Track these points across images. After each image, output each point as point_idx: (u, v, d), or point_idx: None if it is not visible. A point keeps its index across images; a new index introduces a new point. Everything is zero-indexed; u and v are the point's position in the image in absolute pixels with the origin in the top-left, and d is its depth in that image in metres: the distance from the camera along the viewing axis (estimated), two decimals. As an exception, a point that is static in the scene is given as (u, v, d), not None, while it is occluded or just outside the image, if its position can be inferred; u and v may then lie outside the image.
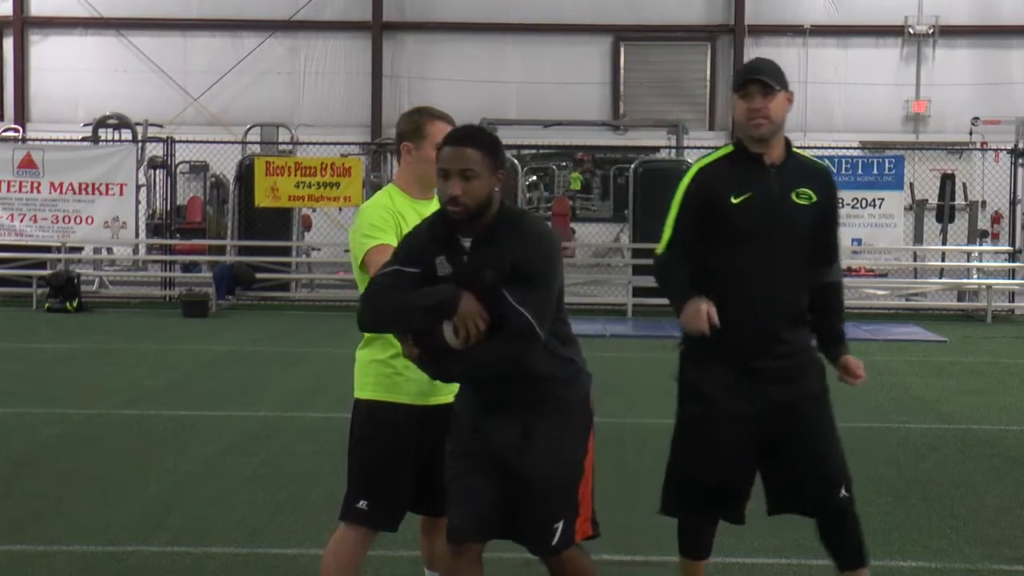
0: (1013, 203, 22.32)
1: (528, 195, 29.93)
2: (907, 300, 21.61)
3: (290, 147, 24.44)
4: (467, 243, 4.26)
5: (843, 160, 21.08)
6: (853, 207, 20.47)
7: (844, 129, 28.89)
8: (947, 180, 23.88)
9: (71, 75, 29.77)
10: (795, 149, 4.96)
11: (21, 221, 21.45)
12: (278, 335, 17.18)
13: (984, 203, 24.15)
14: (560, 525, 4.36)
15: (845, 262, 18.74)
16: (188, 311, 19.18)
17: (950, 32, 29.30)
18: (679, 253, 4.92)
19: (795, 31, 29.29)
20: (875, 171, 20.96)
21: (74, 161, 21.80)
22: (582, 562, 4.53)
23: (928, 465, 8.95)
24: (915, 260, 23.50)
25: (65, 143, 23.39)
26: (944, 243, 23.65)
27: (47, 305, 19.73)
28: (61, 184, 21.38)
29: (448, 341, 4.16)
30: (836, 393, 4.97)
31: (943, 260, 23.26)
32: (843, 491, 4.88)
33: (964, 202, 24.74)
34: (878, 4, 29.35)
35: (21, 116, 29.82)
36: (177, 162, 23.45)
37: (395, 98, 29.48)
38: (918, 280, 22.63)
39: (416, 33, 29.88)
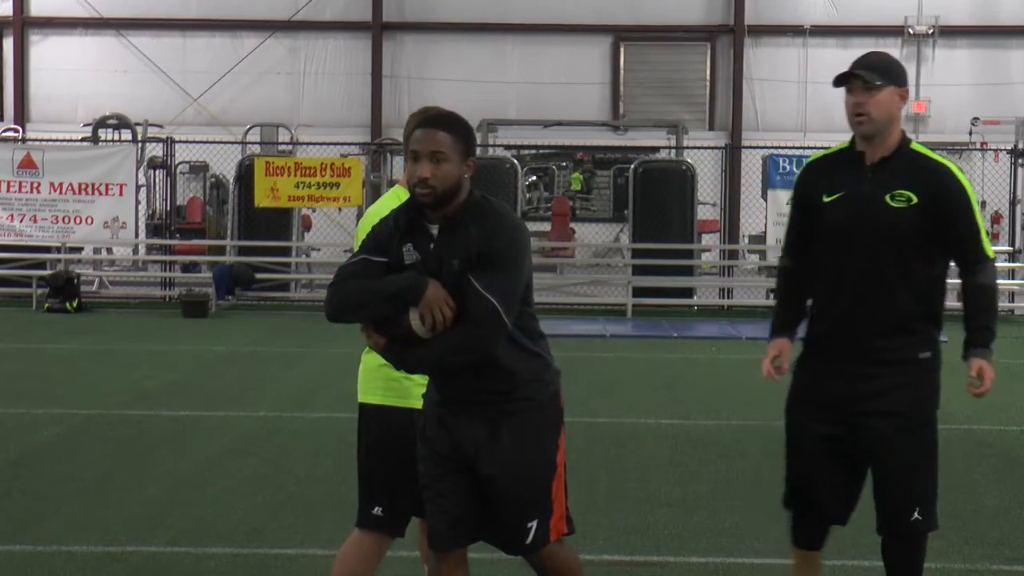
0: (1013, 203, 22.32)
1: (528, 195, 29.92)
2: (907, 300, 21.56)
3: (290, 147, 24.43)
4: (434, 230, 4.21)
5: (843, 160, 21.03)
6: (853, 207, 20.44)
7: (844, 129, 28.52)
8: (947, 180, 23.83)
9: (71, 75, 29.73)
10: (914, 145, 4.81)
11: (21, 221, 21.44)
12: (278, 335, 17.18)
13: (984, 203, 24.10)
14: (534, 524, 4.29)
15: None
16: (188, 311, 19.18)
17: (950, 32, 29.28)
18: (794, 261, 4.91)
19: (795, 31, 29.27)
20: (875, 171, 20.92)
21: (74, 161, 21.80)
22: (563, 556, 4.46)
23: (928, 465, 8.93)
24: (915, 260, 23.43)
25: (65, 143, 23.38)
26: (944, 243, 23.59)
27: (47, 305, 19.72)
28: (61, 184, 21.37)
29: (415, 329, 4.10)
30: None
31: (943, 260, 23.20)
32: (915, 514, 4.72)
33: (964, 202, 24.67)
34: (878, 4, 29.32)
35: (21, 116, 29.78)
36: (177, 162, 23.43)
37: (395, 98, 29.48)
38: (918, 280, 22.56)
39: (416, 33, 29.86)
